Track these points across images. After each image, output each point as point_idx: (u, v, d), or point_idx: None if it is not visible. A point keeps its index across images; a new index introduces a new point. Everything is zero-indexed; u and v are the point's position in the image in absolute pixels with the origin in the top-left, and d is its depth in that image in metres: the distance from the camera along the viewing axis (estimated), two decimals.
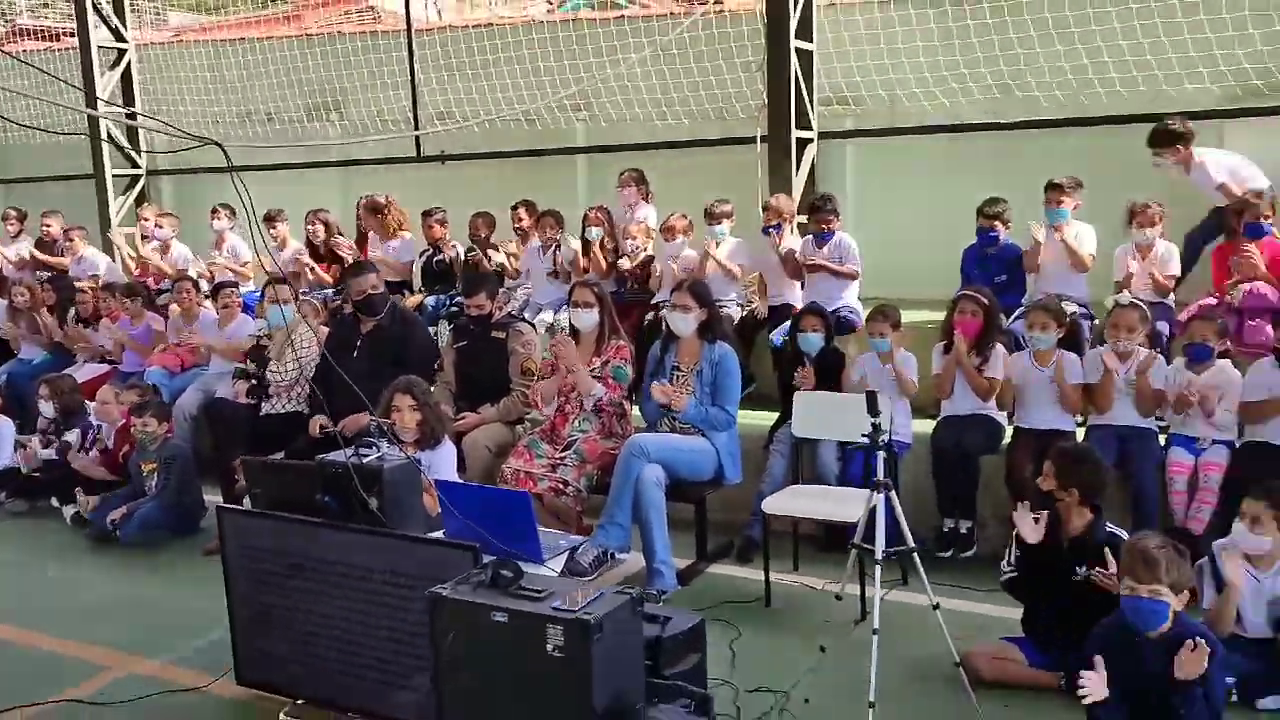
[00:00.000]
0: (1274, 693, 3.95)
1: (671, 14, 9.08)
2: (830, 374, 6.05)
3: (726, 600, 5.11)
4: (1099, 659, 3.31)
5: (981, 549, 5.58)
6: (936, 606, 3.98)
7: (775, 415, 6.22)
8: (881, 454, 3.92)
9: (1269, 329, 5.74)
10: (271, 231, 9.21)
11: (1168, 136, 6.43)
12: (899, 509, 4.15)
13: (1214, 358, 5.32)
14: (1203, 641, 3.23)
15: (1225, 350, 5.42)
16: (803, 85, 8.04)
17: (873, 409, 3.84)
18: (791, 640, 4.63)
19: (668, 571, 5.14)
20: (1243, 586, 4.02)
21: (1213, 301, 6.09)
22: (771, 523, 5.27)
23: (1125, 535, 3.96)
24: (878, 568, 3.98)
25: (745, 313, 7.41)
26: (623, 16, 9.35)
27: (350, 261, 8.15)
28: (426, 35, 10.24)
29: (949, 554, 5.56)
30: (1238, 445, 5.25)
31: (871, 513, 4.10)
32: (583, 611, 2.98)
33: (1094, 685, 3.26)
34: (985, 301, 5.81)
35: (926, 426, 5.94)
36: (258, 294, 8.46)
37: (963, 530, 5.65)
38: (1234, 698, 3.87)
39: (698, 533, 5.59)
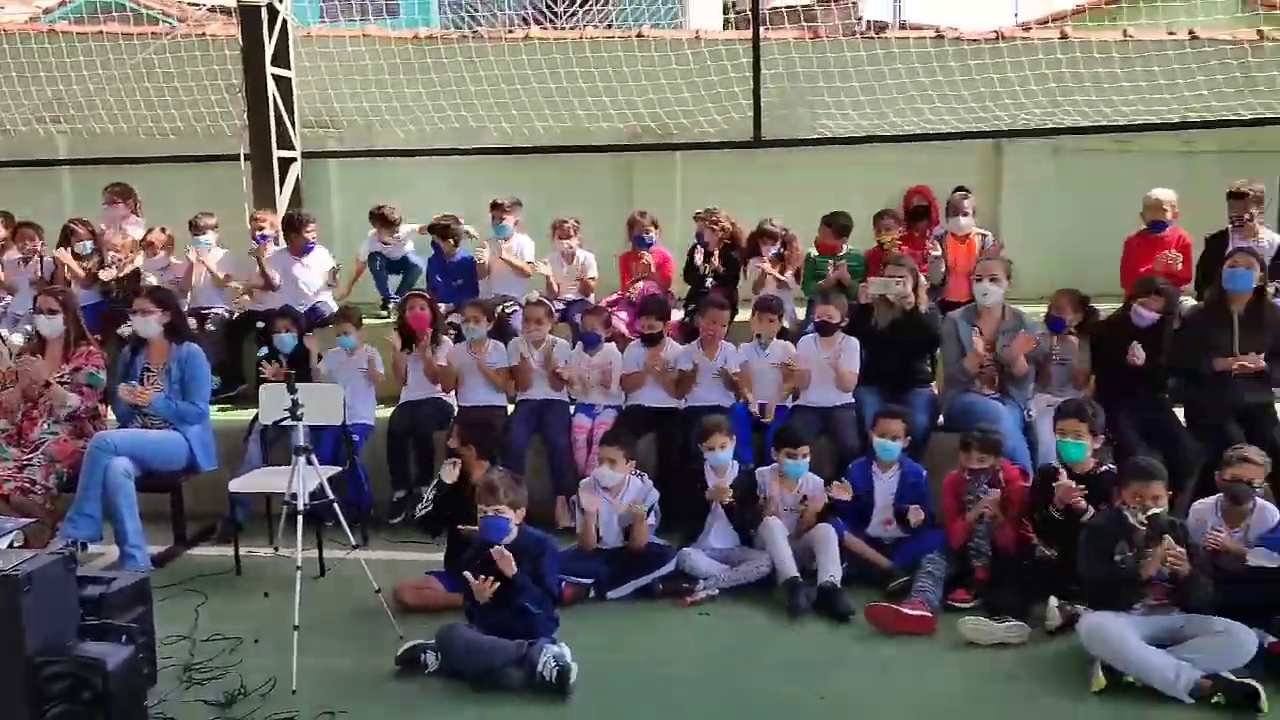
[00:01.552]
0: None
1: (153, 33, 9.33)
2: (303, 367, 6.86)
3: (201, 574, 5.71)
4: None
5: None
6: (356, 546, 4.91)
7: None
8: (303, 426, 4.75)
9: None
10: None
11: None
12: (319, 471, 4.98)
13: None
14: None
15: None
16: (282, 108, 8.71)
17: (290, 389, 4.68)
18: (252, 599, 5.35)
19: (140, 555, 5.63)
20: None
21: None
22: (254, 504, 5.95)
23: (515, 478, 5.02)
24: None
25: (233, 317, 7.96)
26: (101, 32, 9.44)
27: None
28: None
29: (399, 519, 6.51)
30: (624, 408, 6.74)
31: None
32: (12, 570, 3.53)
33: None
34: (429, 298, 6.95)
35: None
36: None
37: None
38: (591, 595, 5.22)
39: (173, 517, 6.10)
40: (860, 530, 5.57)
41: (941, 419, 6.35)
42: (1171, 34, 8.35)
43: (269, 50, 8.54)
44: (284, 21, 8.76)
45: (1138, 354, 5.89)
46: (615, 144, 8.79)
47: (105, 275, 8.11)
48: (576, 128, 8.71)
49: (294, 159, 8.95)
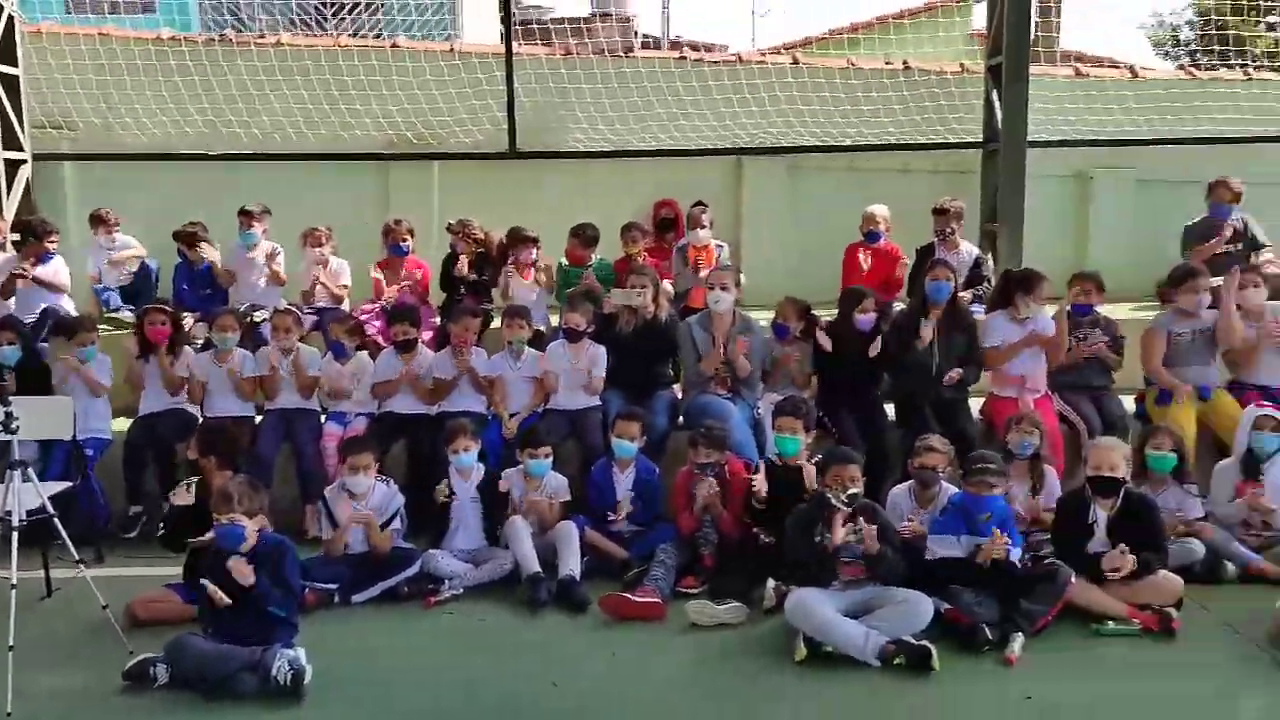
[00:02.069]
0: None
1: None
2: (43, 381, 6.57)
3: None
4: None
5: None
6: (81, 562, 4.79)
7: None
8: (16, 441, 4.59)
9: None
10: None
11: None
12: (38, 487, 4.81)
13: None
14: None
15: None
16: (8, 108, 8.24)
17: (3, 400, 4.52)
18: None
19: None
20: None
21: None
22: None
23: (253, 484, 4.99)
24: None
25: None
26: None
27: None
28: None
29: (134, 534, 6.32)
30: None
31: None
32: None
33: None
34: (170, 311, 6.79)
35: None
36: None
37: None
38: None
39: None
40: (602, 526, 5.87)
41: (682, 419, 6.76)
42: (889, 64, 9.15)
43: None
44: (9, 17, 8.29)
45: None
46: (370, 152, 8.81)
47: None
48: (332, 136, 8.67)
49: (23, 160, 8.47)
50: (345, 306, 7.83)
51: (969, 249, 7.88)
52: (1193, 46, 20.91)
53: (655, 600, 5.16)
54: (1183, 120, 8.90)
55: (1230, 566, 5.46)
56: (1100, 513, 5.18)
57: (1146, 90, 9.23)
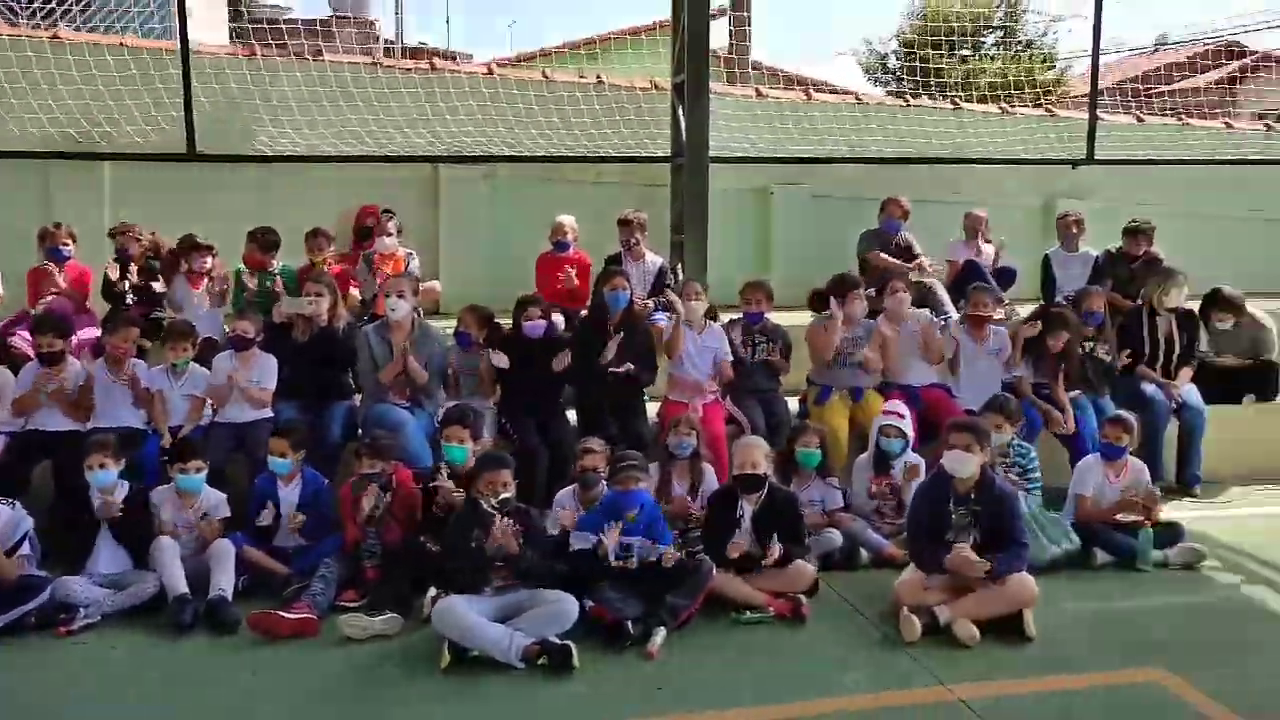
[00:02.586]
0: None
1: None
2: None
3: None
4: None
5: None
6: None
7: None
8: None
9: None
10: None
11: None
12: None
13: None
14: None
15: None
16: None
17: None
18: None
19: None
20: None
21: None
22: None
23: None
24: None
25: None
26: None
27: None
28: None
29: None
30: None
31: None
32: None
33: None
34: None
35: None
36: None
37: None
38: None
39: None
40: (264, 542, 5.67)
41: (360, 429, 6.62)
42: (582, 78, 9.37)
43: None
44: None
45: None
46: (30, 150, 8.15)
47: None
48: None
49: None
50: None
51: (654, 259, 8.17)
52: (900, 74, 22.75)
53: (308, 616, 5.02)
54: (850, 141, 9.60)
55: (864, 553, 5.92)
56: (747, 507, 5.48)
57: (821, 112, 9.90)
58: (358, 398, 6.97)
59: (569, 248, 7.96)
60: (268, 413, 6.46)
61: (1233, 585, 5.79)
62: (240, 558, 5.45)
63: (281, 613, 5.00)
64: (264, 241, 7.55)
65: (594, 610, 4.90)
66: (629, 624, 4.82)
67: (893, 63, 24.49)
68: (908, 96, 10.92)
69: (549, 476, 6.35)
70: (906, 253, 8.63)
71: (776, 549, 5.27)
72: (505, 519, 4.88)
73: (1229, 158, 10.98)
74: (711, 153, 8.63)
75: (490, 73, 9.18)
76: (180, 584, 5.20)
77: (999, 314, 7.72)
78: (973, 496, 5.19)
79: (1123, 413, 6.49)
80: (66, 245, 7.25)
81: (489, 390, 6.79)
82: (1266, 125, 12.70)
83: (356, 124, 8.77)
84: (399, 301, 6.59)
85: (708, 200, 8.67)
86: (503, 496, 5.00)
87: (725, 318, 7.37)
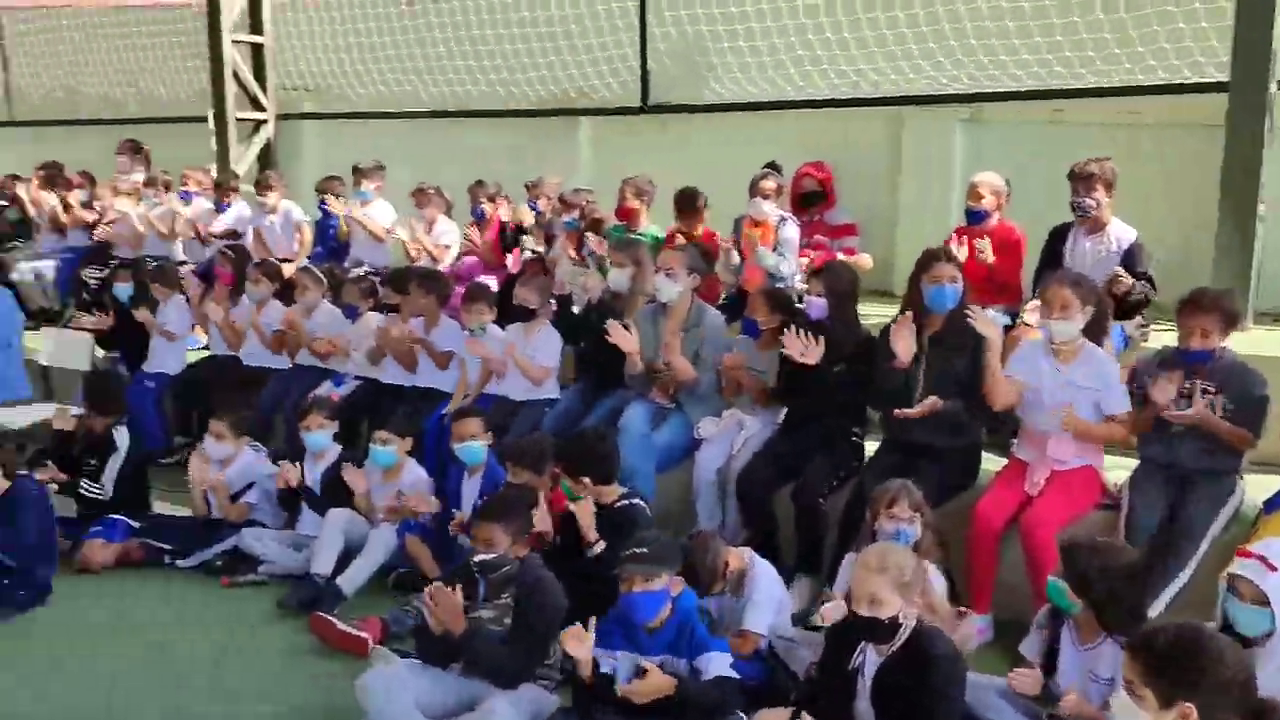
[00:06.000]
0: None
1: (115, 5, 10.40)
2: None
3: None
4: None
5: None
6: None
7: None
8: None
9: None
10: None
11: None
12: None
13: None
14: None
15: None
16: (244, 72, 9.33)
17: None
18: None
19: None
20: None
21: None
22: None
23: None
24: None
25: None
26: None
27: None
28: None
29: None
30: None
31: None
32: None
33: None
34: (233, 256, 7.32)
35: None
36: None
37: None
38: None
39: None
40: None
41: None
42: None
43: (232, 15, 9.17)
44: None
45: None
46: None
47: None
48: None
49: (265, 120, 9.56)
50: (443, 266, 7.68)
51: (1123, 232, 5.46)
52: None
53: (363, 636, 4.44)
54: None
55: None
56: (870, 656, 3.38)
57: None
58: None
59: (984, 216, 5.75)
60: (545, 393, 5.89)
61: None
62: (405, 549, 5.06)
63: (340, 624, 4.52)
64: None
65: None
66: None
67: None
68: None
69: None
70: None
71: None
72: None
73: None
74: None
75: None
76: (321, 564, 4.99)
77: None
78: None
79: None
80: (482, 205, 7.46)
81: (761, 399, 5.27)
82: None
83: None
84: (666, 281, 5.42)
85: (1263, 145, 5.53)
86: None
87: (1157, 341, 4.65)
